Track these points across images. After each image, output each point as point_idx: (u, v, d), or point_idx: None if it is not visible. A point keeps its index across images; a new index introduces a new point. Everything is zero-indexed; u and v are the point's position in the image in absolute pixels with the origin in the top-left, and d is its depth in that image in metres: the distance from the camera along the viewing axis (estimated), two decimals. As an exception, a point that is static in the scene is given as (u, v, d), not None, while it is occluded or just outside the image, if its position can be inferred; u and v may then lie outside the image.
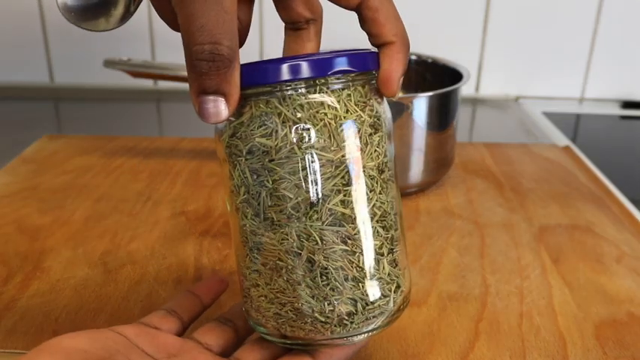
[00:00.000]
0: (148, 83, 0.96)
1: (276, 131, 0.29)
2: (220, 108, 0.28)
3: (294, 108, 0.29)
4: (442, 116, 0.61)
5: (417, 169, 0.60)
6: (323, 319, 0.30)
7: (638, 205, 0.62)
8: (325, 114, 0.29)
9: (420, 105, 0.58)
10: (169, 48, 0.93)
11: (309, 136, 0.29)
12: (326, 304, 0.30)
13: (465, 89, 0.68)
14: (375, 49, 0.32)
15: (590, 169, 0.71)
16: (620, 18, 0.93)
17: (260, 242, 0.31)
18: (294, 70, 0.28)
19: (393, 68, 0.31)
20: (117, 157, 0.70)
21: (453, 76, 0.65)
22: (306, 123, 0.29)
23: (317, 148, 0.29)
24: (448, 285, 0.47)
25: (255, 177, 0.30)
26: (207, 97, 0.28)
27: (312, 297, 0.30)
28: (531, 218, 0.58)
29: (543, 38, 0.94)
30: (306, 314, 0.30)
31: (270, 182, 0.29)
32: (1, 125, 0.85)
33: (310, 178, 0.29)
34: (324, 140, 0.29)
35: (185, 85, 0.33)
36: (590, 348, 0.41)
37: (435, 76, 0.70)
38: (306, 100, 0.29)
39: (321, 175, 0.29)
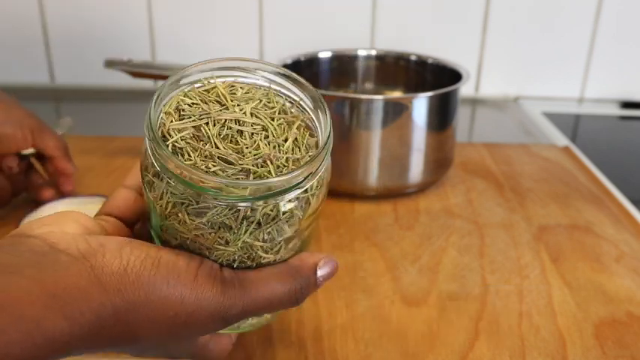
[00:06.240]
0: (148, 83, 0.96)
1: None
2: None
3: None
4: (442, 116, 0.61)
5: (416, 169, 0.61)
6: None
7: (637, 205, 0.62)
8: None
9: (420, 105, 0.58)
10: (169, 48, 0.94)
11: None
12: None
13: (465, 89, 0.68)
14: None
15: (590, 169, 0.71)
16: (620, 18, 0.93)
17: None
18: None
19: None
20: (117, 158, 0.70)
21: (452, 76, 0.65)
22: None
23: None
24: (448, 285, 0.47)
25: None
26: None
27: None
28: (531, 218, 0.58)
29: (543, 38, 0.95)
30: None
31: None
32: (2, 125, 0.85)
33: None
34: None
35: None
36: (590, 347, 0.41)
37: (435, 77, 0.70)
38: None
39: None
